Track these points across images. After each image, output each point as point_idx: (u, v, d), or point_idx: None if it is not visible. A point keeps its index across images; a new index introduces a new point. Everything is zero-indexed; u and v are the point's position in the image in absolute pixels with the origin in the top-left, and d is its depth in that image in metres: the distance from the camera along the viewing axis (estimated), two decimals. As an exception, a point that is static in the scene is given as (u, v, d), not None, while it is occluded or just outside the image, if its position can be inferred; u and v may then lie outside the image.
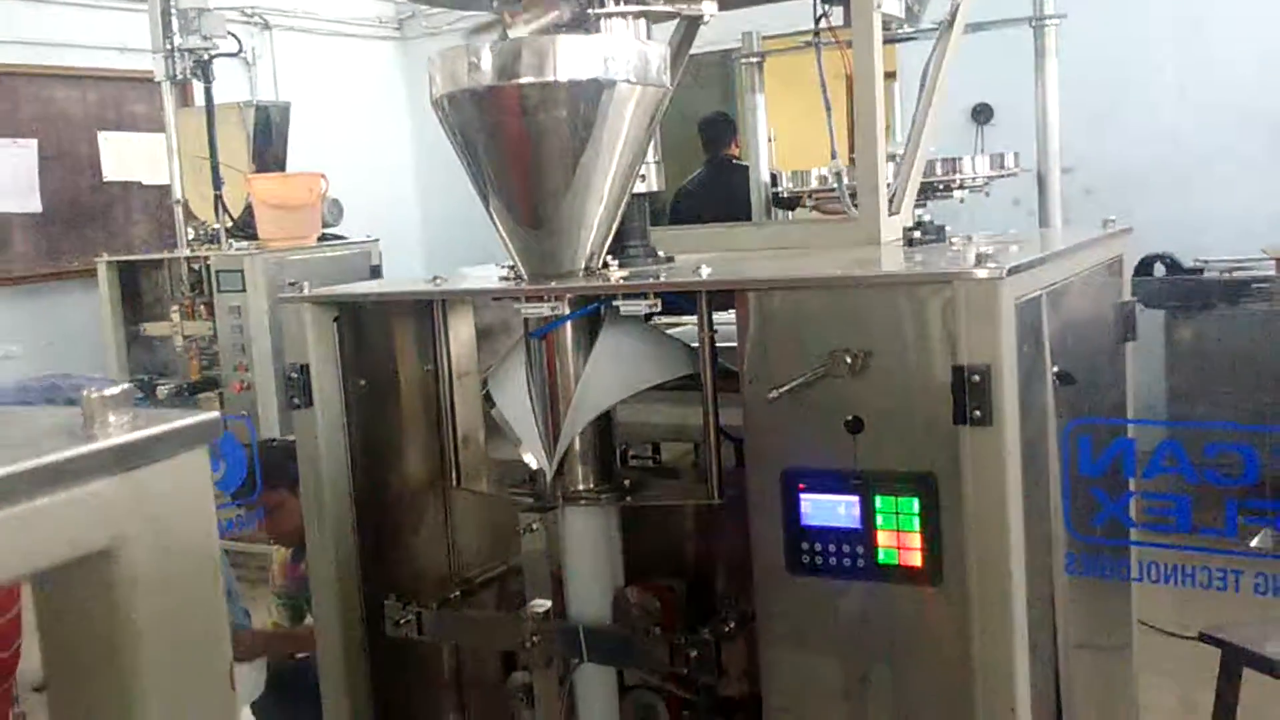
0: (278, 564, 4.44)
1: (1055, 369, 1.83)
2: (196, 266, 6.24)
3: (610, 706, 2.19)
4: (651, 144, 2.21)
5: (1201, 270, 6.62)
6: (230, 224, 6.36)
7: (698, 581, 2.28)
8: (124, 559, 0.92)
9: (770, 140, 4.13)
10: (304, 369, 2.22)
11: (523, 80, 1.89)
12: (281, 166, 6.63)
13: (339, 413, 2.29)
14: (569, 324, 2.13)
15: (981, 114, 8.02)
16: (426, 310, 2.39)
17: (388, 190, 8.67)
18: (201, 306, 6.26)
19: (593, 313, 2.14)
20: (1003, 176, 3.37)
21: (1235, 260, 6.57)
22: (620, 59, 1.92)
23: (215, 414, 1.01)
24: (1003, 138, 6.44)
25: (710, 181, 6.98)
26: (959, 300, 1.66)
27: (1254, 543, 5.96)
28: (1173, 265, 6.69)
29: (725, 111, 7.31)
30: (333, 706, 2.33)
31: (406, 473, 2.45)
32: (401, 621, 2.28)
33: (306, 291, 2.22)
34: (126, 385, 0.99)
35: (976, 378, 1.65)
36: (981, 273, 1.64)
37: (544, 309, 2.03)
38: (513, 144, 2.00)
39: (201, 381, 6.28)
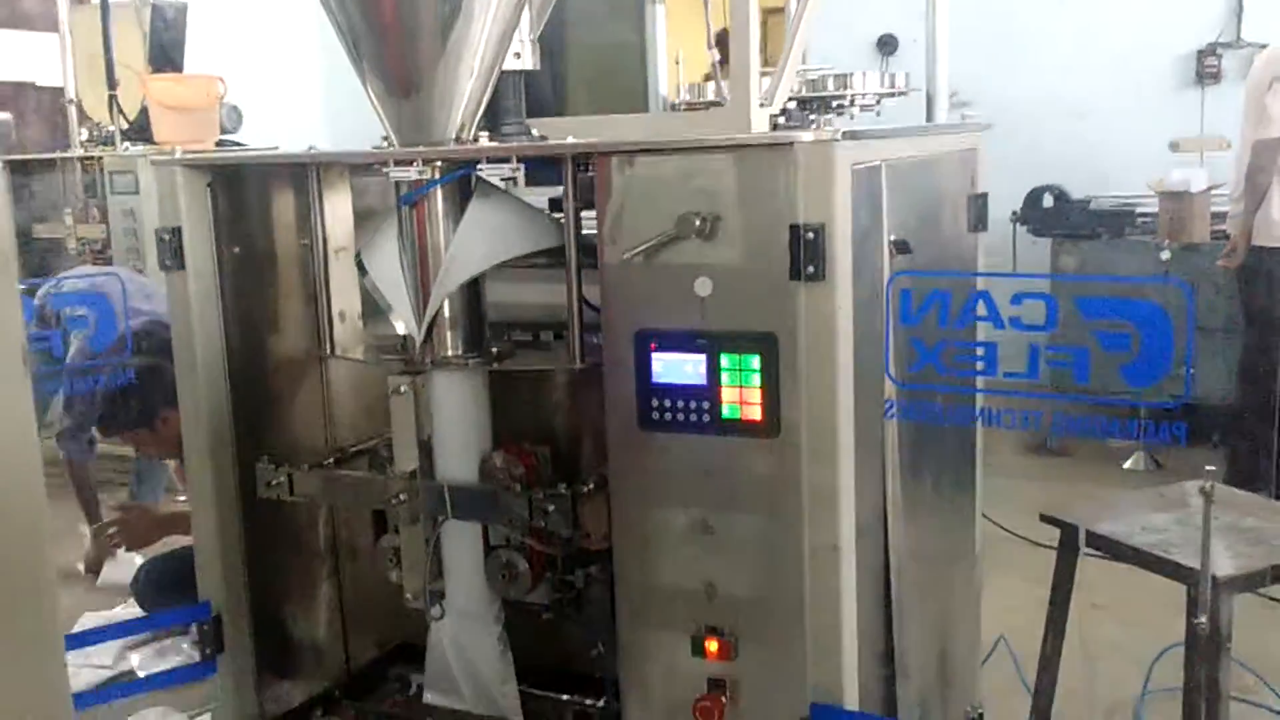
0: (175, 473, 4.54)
1: (893, 237, 1.94)
2: (90, 168, 6.13)
3: (475, 564, 2.29)
4: (526, 21, 2.27)
5: (1088, 202, 6.86)
6: (126, 126, 6.25)
7: (563, 448, 2.38)
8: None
9: (677, 63, 4.18)
10: (175, 232, 2.26)
11: (392, -55, 1.94)
12: (179, 68, 6.50)
13: (212, 277, 2.32)
14: (439, 194, 2.19)
15: (887, 45, 8.16)
16: (304, 184, 2.43)
17: (291, 98, 8.52)
18: (95, 210, 6.17)
19: (462, 179, 2.20)
20: (892, 95, 3.46)
21: (1123, 196, 6.81)
22: (489, -72, 1.97)
23: None
24: (906, 68, 6.58)
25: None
26: (797, 162, 1.75)
27: (1127, 464, 6.26)
28: (1061, 196, 6.92)
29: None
30: (206, 569, 2.40)
31: (282, 343, 2.50)
32: (273, 483, 2.35)
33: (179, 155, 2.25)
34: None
35: (811, 235, 1.75)
36: (818, 136, 1.73)
37: (412, 173, 2.08)
38: (385, 11, 2.05)
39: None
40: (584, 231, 2.10)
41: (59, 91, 6.47)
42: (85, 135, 6.27)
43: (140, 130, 6.25)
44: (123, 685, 3.22)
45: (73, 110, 6.17)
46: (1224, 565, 2.34)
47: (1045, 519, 2.77)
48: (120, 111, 6.20)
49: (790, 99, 2.55)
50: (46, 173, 6.34)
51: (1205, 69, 8.00)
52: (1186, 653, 2.47)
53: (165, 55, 6.46)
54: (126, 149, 6.13)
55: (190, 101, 6.21)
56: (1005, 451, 6.32)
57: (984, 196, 2.49)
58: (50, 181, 6.35)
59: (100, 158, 6.02)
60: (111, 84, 6.16)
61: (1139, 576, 4.13)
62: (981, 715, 2.59)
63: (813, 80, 2.61)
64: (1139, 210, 6.80)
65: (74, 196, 6.19)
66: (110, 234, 5.99)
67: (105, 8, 6.09)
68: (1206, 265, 6.16)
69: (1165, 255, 6.29)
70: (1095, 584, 4.62)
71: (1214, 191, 6.27)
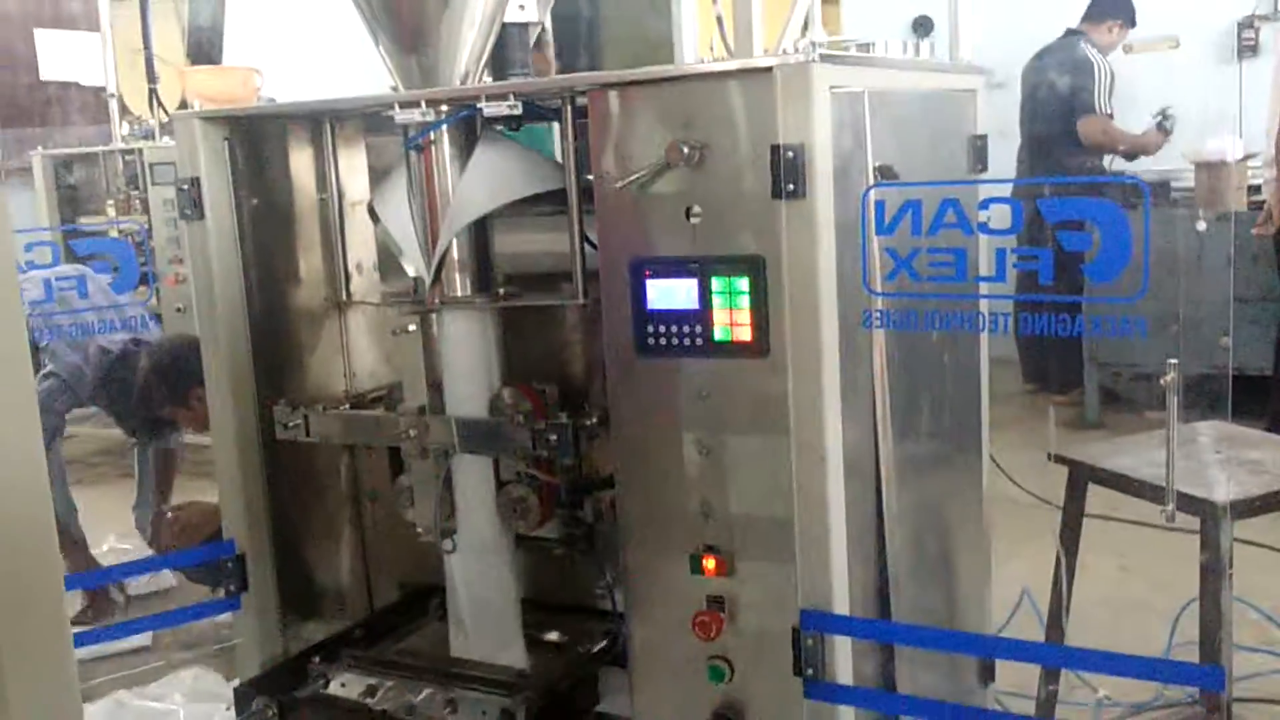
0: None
1: (877, 163, 1.98)
2: (131, 160, 6.29)
3: (486, 499, 2.36)
4: (530, -27, 2.34)
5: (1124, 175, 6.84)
6: (165, 119, 6.41)
7: (571, 386, 2.45)
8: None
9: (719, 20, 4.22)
10: (195, 182, 2.35)
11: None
12: (217, 61, 6.66)
13: (231, 228, 2.42)
14: (446, 140, 2.27)
15: (922, 26, 8.19)
16: (320, 138, 2.52)
17: (327, 89, 8.65)
18: (137, 201, 6.33)
19: (467, 127, 2.28)
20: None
21: (1160, 169, 6.78)
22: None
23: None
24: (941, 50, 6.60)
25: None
26: (777, 86, 1.81)
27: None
28: (1095, 170, 6.90)
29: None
30: (229, 509, 2.49)
31: (301, 293, 2.59)
32: (290, 424, 2.44)
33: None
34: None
35: (791, 154, 1.80)
36: (795, 58, 1.79)
37: (416, 115, 2.16)
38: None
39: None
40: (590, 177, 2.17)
41: (101, 90, 6.65)
42: (126, 129, 6.43)
43: (175, 139, 6.40)
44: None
45: (114, 104, 6.34)
46: (1224, 492, 2.36)
47: (1056, 459, 2.80)
48: (160, 105, 6.37)
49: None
50: (90, 167, 6.51)
51: (1243, 42, 7.94)
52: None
53: (204, 49, 6.63)
54: (166, 141, 6.30)
55: (228, 93, 6.35)
56: (1040, 426, 6.35)
57: (984, 138, 2.52)
58: (93, 175, 6.53)
59: (140, 149, 6.18)
60: (151, 78, 6.34)
61: (1167, 539, 4.15)
62: (993, 651, 2.61)
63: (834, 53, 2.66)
64: (1175, 184, 6.76)
65: (116, 189, 6.35)
66: (151, 223, 6.14)
67: (145, 3, 6.25)
68: (1243, 234, 6.13)
69: (1201, 226, 6.25)
70: (1125, 547, 4.65)
71: (1250, 162, 6.24)
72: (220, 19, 6.90)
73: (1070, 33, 6.75)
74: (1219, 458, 2.56)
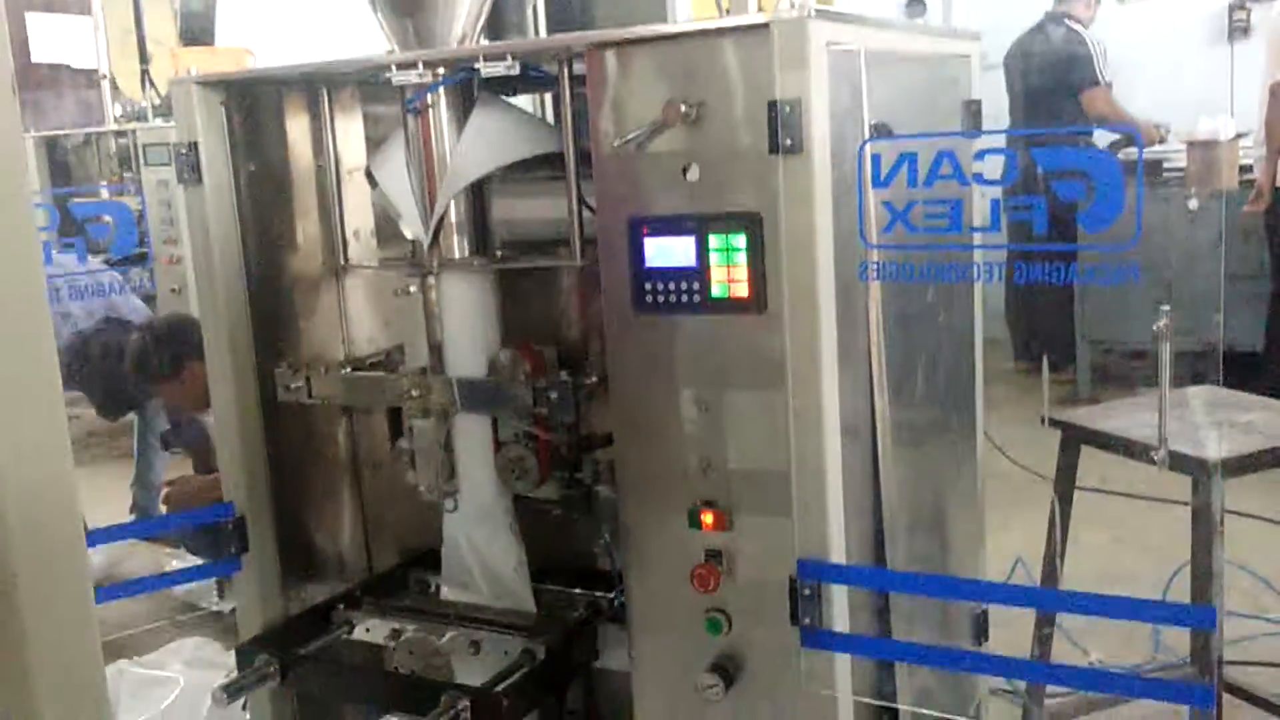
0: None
1: (874, 121, 2.00)
2: (124, 142, 6.30)
3: (486, 459, 2.38)
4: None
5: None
6: (158, 100, 6.41)
7: (571, 348, 2.46)
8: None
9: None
10: (192, 146, 2.36)
11: None
12: (210, 42, 6.66)
13: (229, 192, 2.43)
14: (444, 102, 2.29)
15: (916, 4, 8.23)
16: (317, 105, 2.53)
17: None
18: (130, 184, 6.33)
19: (465, 90, 2.29)
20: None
21: (1153, 150, 6.81)
22: None
23: None
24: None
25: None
26: (773, 41, 1.83)
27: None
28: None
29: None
30: (230, 472, 2.50)
31: (300, 259, 2.60)
32: (292, 386, 2.45)
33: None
34: None
35: (788, 109, 1.82)
36: (790, 14, 1.81)
37: (413, 75, 2.17)
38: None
39: (132, 256, 6.36)
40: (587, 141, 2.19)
41: (93, 74, 6.65)
42: (119, 111, 6.43)
43: (172, 105, 6.41)
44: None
45: (106, 86, 6.34)
46: (1215, 450, 2.39)
47: (1049, 422, 2.83)
48: (152, 86, 6.37)
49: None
50: (83, 149, 6.51)
51: (1235, 24, 7.99)
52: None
53: (196, 30, 6.63)
54: (159, 123, 6.29)
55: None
56: (1032, 404, 6.40)
57: (978, 103, 2.54)
58: (85, 157, 6.53)
59: (134, 131, 6.18)
60: (143, 59, 6.34)
61: (1161, 512, 4.20)
62: (985, 612, 2.64)
63: (830, 9, 2.68)
64: (1167, 164, 6.81)
65: (109, 170, 6.36)
66: (145, 204, 6.14)
67: (136, -15, 6.25)
68: (1235, 213, 6.17)
69: (1193, 204, 6.30)
70: (1119, 520, 4.70)
71: (1241, 141, 6.27)
72: (212, 4, 6.90)
73: (1049, 14, 6.82)
74: (1211, 419, 2.59)
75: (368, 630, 2.47)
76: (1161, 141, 6.72)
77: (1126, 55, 7.18)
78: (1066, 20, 6.73)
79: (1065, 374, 6.78)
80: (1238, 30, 7.97)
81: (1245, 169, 6.29)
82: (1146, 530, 4.62)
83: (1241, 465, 2.42)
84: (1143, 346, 6.42)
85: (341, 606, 2.47)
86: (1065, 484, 2.83)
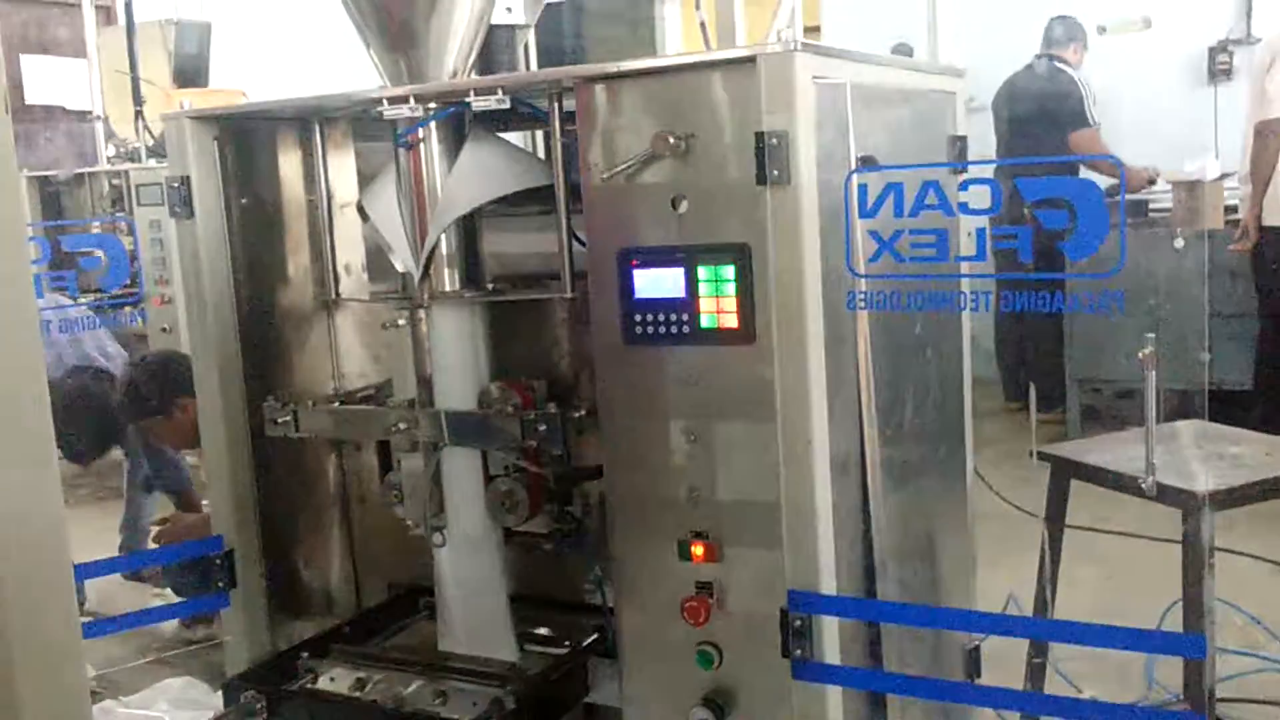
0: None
1: (861, 154, 2.02)
2: (117, 183, 6.32)
3: (475, 493, 2.37)
4: (516, -23, 2.39)
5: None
6: (151, 142, 6.44)
7: (560, 381, 2.47)
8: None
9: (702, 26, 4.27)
10: (185, 180, 2.38)
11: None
12: (203, 84, 6.71)
13: (220, 226, 2.44)
14: (435, 137, 2.30)
15: (901, 48, 8.30)
16: (309, 140, 2.55)
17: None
18: (123, 224, 6.34)
19: (456, 125, 2.31)
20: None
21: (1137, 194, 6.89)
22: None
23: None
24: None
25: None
26: (760, 74, 1.85)
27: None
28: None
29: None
30: (218, 507, 2.49)
31: (290, 293, 2.61)
32: (279, 420, 2.45)
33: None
34: None
35: (775, 141, 1.84)
36: (777, 48, 1.83)
37: (405, 110, 2.19)
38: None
39: (123, 295, 6.36)
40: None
41: (87, 114, 6.68)
42: (112, 151, 6.46)
43: (166, 147, 6.44)
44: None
45: (99, 127, 6.37)
46: (1204, 483, 2.40)
47: (1039, 455, 2.83)
48: (146, 128, 6.40)
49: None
50: (76, 189, 6.53)
51: (1217, 66, 8.08)
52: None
53: (190, 72, 6.67)
54: (152, 165, 6.31)
55: (214, 115, 6.39)
56: (1022, 443, 6.41)
57: (963, 139, 2.57)
58: (78, 197, 6.54)
59: (127, 171, 6.21)
60: (137, 101, 6.37)
61: (1153, 550, 4.19)
62: (978, 648, 2.63)
63: (816, 44, 2.72)
64: (1152, 205, 6.87)
65: (101, 210, 6.37)
66: (137, 243, 6.14)
67: (130, 28, 6.30)
68: (1220, 252, 6.22)
69: (1179, 244, 6.34)
70: (1110, 558, 4.69)
71: (1226, 181, 6.34)
72: (206, 46, 6.96)
73: (1039, 56, 6.90)
74: (1199, 452, 2.60)
75: (332, 680, 2.39)
76: (1151, 184, 6.78)
77: (1111, 96, 7.25)
78: (1055, 63, 6.81)
79: (1055, 414, 6.79)
80: (1220, 72, 8.06)
81: (1230, 209, 6.35)
82: (1138, 568, 4.61)
83: (1230, 497, 2.43)
84: (1131, 386, 6.44)
85: (305, 655, 2.43)
86: (1055, 515, 2.83)
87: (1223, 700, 3.28)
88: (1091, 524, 4.03)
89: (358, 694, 2.32)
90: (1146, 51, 7.66)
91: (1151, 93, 7.65)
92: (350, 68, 2.62)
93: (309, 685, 2.37)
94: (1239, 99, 6.94)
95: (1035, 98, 6.71)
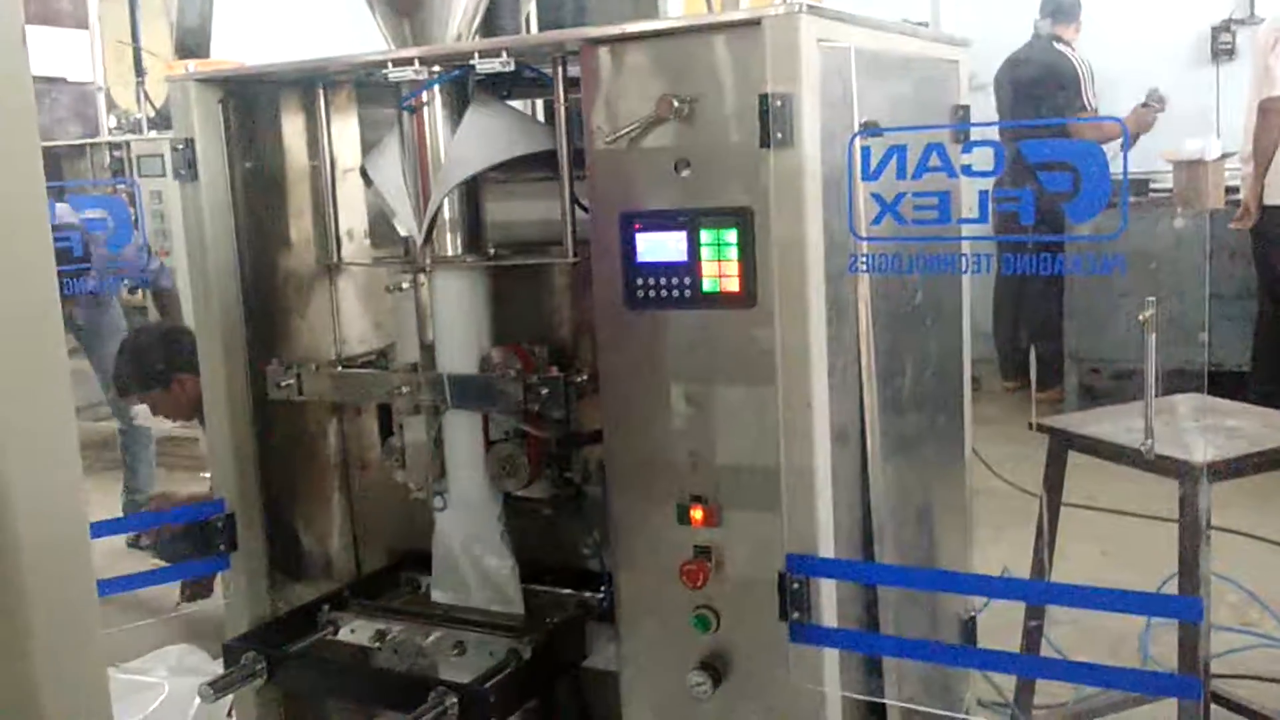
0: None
1: (864, 119, 2.02)
2: (118, 153, 6.31)
3: (476, 458, 2.38)
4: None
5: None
6: (153, 113, 6.43)
7: (561, 348, 2.47)
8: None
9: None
10: (189, 143, 2.38)
11: None
12: (205, 55, 6.68)
13: (224, 190, 2.44)
14: (439, 101, 2.30)
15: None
16: (313, 104, 2.55)
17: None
18: (124, 195, 6.33)
19: (459, 90, 2.31)
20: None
21: (1138, 171, 6.88)
22: None
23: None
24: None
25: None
26: (765, 36, 1.85)
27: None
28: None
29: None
30: (220, 469, 2.50)
31: (293, 257, 2.61)
32: (283, 384, 2.46)
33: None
34: None
35: (779, 103, 1.84)
36: (782, 10, 1.83)
37: (409, 72, 2.19)
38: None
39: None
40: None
41: (89, 87, 6.66)
42: (114, 123, 6.45)
43: (167, 117, 6.43)
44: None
45: (101, 98, 6.35)
46: (1201, 454, 2.41)
47: (1036, 427, 2.84)
48: (147, 98, 6.38)
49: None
50: (77, 159, 6.52)
51: (1220, 45, 8.06)
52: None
53: (192, 43, 6.64)
54: (153, 135, 6.31)
55: (215, 86, 6.37)
56: (1020, 421, 6.43)
57: (966, 108, 2.57)
58: (80, 168, 6.53)
59: (128, 142, 6.20)
60: (139, 72, 6.35)
61: (1149, 528, 4.21)
62: (974, 619, 2.64)
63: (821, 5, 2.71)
64: (1154, 185, 6.86)
65: (103, 181, 6.36)
66: (141, 210, 6.14)
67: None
68: (1221, 231, 6.22)
69: (1180, 223, 6.33)
70: (1105, 535, 4.71)
71: (1228, 161, 6.33)
72: (209, 17, 6.92)
73: (1038, 35, 6.90)
74: (1197, 425, 2.61)
75: (353, 631, 2.45)
76: (1160, 110, 6.70)
77: (1113, 76, 7.24)
78: (1055, 42, 6.80)
79: (1052, 392, 6.80)
80: (1223, 52, 8.04)
81: (1232, 189, 6.34)
82: (1135, 545, 4.63)
83: (1227, 469, 2.44)
84: (1129, 365, 6.46)
85: (327, 608, 2.46)
86: (1053, 485, 2.84)
87: (1218, 676, 3.30)
88: (1088, 502, 4.05)
89: (378, 644, 2.36)
90: (1149, 31, 7.63)
91: (1154, 72, 7.63)
92: (352, 40, 2.62)
93: (330, 637, 2.42)
94: (1242, 78, 6.92)
95: (1035, 79, 6.72)
